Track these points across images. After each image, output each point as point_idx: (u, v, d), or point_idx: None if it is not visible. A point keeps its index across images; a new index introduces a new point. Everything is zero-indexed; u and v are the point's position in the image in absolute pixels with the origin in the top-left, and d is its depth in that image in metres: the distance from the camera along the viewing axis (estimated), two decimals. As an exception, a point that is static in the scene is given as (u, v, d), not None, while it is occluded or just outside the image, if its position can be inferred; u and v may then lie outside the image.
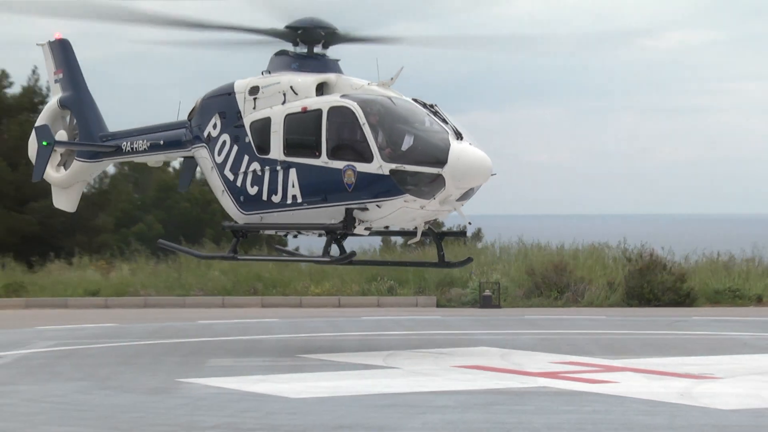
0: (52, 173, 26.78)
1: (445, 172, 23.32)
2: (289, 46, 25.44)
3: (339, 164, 23.70)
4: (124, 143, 26.52)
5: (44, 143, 26.47)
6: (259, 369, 21.42)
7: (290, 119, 24.22)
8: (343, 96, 24.07)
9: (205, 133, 25.34)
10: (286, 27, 25.05)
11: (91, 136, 26.59)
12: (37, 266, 41.43)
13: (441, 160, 23.27)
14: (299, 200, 24.04)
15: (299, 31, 25.04)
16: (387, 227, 25.67)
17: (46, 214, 47.39)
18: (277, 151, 24.21)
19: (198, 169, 27.64)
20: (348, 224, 24.10)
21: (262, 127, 24.46)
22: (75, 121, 26.92)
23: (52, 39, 27.21)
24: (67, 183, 26.81)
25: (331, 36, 25.21)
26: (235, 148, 24.78)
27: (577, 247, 39.86)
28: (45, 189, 48.92)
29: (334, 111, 23.77)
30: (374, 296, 36.74)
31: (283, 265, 40.90)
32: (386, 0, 27.26)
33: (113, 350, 24.78)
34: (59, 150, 26.87)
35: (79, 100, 26.77)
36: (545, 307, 34.90)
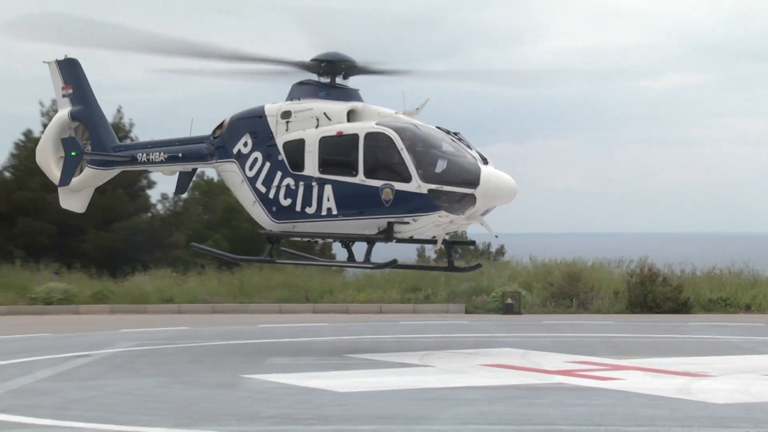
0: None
1: (477, 192, 23.73)
2: (313, 76, 25.44)
3: (376, 182, 23.85)
4: (140, 154, 26.45)
5: (73, 153, 26.24)
6: (311, 367, 21.60)
7: (325, 141, 24.28)
8: (378, 123, 24.19)
9: (235, 150, 25.13)
10: (312, 60, 25.05)
11: (103, 147, 26.49)
12: (121, 277, 41.42)
13: (474, 182, 23.67)
14: (334, 212, 24.10)
15: (323, 64, 24.99)
16: (411, 237, 25.42)
17: (129, 233, 47.69)
18: (311, 168, 24.22)
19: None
20: (389, 235, 24.39)
21: (296, 147, 24.45)
22: (86, 132, 26.66)
23: (60, 58, 26.82)
24: (78, 187, 26.69)
25: (351, 68, 25.26)
26: (268, 164, 24.65)
27: (585, 262, 39.70)
28: (127, 211, 49.23)
29: (371, 136, 23.97)
30: (411, 304, 36.94)
31: (331, 277, 40.89)
32: (414, 42, 26.71)
33: (185, 350, 25.03)
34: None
35: (90, 113, 26.56)
36: (559, 313, 34.95)
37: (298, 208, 24.49)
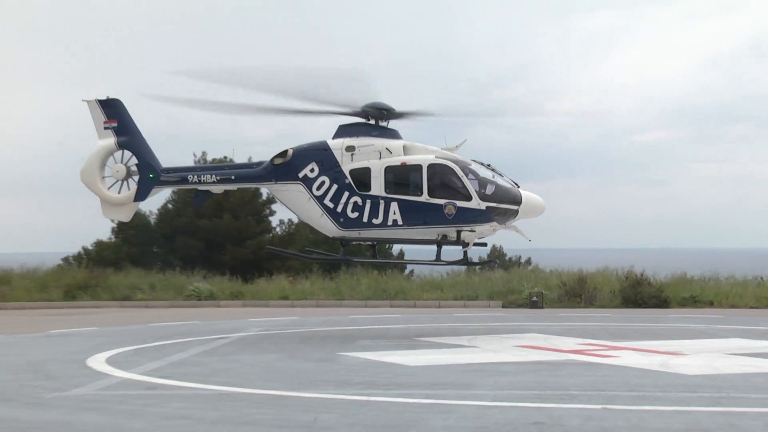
0: (110, 194, 25.45)
1: (520, 208, 24.40)
2: (360, 119, 25.10)
3: (439, 201, 23.91)
4: (190, 176, 25.37)
5: (150, 175, 25.17)
6: (388, 347, 21.70)
7: (389, 169, 24.12)
8: (437, 156, 24.30)
9: (301, 174, 24.41)
10: (364, 107, 24.77)
11: (155, 170, 25.32)
12: (250, 281, 41.51)
13: (518, 201, 24.34)
14: (399, 222, 23.95)
15: (370, 110, 24.74)
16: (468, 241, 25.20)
17: (256, 248, 47.86)
18: (378, 189, 24.01)
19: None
20: (458, 240, 24.65)
21: (362, 173, 24.14)
22: (133, 158, 25.38)
23: (101, 98, 25.46)
24: (125, 201, 25.46)
25: (390, 113, 24.91)
26: (335, 186, 24.14)
27: (590, 269, 39.53)
28: (255, 232, 49.25)
29: (433, 166, 24.11)
30: (462, 300, 36.84)
31: (404, 281, 40.84)
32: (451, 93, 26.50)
33: (297, 334, 25.21)
34: (116, 177, 25.48)
35: (137, 143, 25.37)
36: (571, 308, 34.75)
37: (364, 219, 24.14)
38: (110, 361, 19.06)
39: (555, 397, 14.21)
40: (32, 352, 21.06)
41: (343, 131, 24.97)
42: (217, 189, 26.21)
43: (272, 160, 24.77)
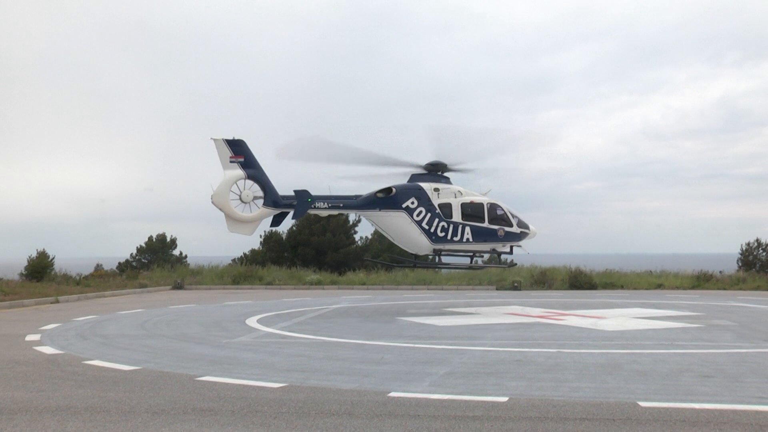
0: (239, 213, 21.94)
1: (530, 231, 23.80)
2: (424, 171, 23.56)
3: (494, 227, 23.15)
4: (322, 203, 22.46)
5: (308, 200, 22.14)
6: (426, 315, 21.40)
7: (464, 205, 23.03)
8: (488, 198, 23.47)
9: (404, 205, 22.59)
10: (427, 164, 23.53)
11: (276, 197, 22.21)
12: (343, 273, 41.50)
13: (529, 228, 23.76)
14: (470, 240, 22.94)
15: (431, 166, 23.48)
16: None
17: (346, 253, 48.02)
18: (457, 217, 22.86)
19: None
20: (510, 251, 23.95)
21: (446, 206, 22.87)
22: (257, 187, 21.95)
23: (228, 137, 21.79)
24: (251, 219, 22.04)
25: (444, 167, 23.61)
26: (429, 214, 22.63)
27: (549, 266, 38.87)
28: (345, 243, 49.27)
29: (490, 203, 23.26)
30: (472, 285, 36.34)
31: (434, 273, 40.60)
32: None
33: (370, 306, 24.98)
34: (245, 201, 21.90)
35: (262, 176, 22.01)
36: (538, 290, 34.29)
37: (449, 237, 22.94)
38: (260, 321, 19.20)
39: (528, 344, 14.10)
40: (214, 315, 21.29)
41: (414, 178, 23.52)
42: (325, 213, 24.34)
43: (376, 194, 22.81)
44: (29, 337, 15.63)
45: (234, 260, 48.42)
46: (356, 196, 23.02)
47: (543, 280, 35.69)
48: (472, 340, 14.70)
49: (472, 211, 23.30)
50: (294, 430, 7.27)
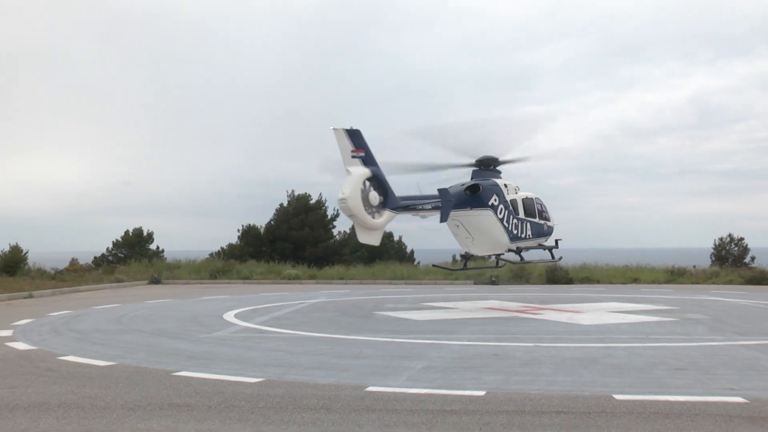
0: (371, 220, 19.20)
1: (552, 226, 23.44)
2: (476, 168, 22.29)
3: (542, 221, 22.81)
4: (417, 204, 20.17)
5: (449, 199, 20.00)
6: (403, 309, 21.40)
7: (524, 201, 22.29)
8: (534, 194, 22.97)
9: (489, 203, 21.18)
10: (479, 159, 22.11)
11: (393, 198, 19.60)
12: (321, 268, 41.36)
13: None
14: (529, 236, 22.36)
15: (485, 160, 22.06)
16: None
17: (324, 248, 47.86)
18: (521, 214, 22.06)
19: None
20: (551, 244, 23.55)
21: (513, 203, 21.90)
22: (378, 186, 19.18)
23: (347, 127, 18.90)
24: (380, 226, 19.50)
25: (496, 162, 22.24)
26: (506, 212, 21.52)
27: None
28: (324, 238, 48.99)
29: (537, 199, 22.85)
30: (450, 280, 36.17)
31: (414, 267, 40.51)
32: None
33: (348, 301, 24.91)
34: (373, 204, 19.12)
35: (382, 174, 19.26)
36: (516, 284, 34.45)
37: (519, 234, 22.08)
38: (237, 316, 19.08)
39: (506, 338, 14.17)
40: (191, 310, 21.15)
41: (476, 174, 22.07)
42: (428, 214, 20.72)
43: (464, 192, 20.94)
44: (1, 333, 15.39)
45: (212, 254, 48.16)
46: (431, 196, 20.44)
47: (521, 274, 35.80)
48: (450, 335, 14.74)
49: (528, 207, 22.58)
50: (271, 425, 7.25)
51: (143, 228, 49.93)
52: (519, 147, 22.68)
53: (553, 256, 24.06)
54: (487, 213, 21.32)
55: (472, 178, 22.07)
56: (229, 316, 19.12)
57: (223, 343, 13.68)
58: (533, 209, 22.69)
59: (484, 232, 21.51)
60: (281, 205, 50.77)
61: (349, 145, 18.85)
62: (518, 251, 22.94)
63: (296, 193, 50.59)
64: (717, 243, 44.20)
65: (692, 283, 34.72)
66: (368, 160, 19.03)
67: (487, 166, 22.33)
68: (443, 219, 20.00)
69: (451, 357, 11.61)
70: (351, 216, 19.07)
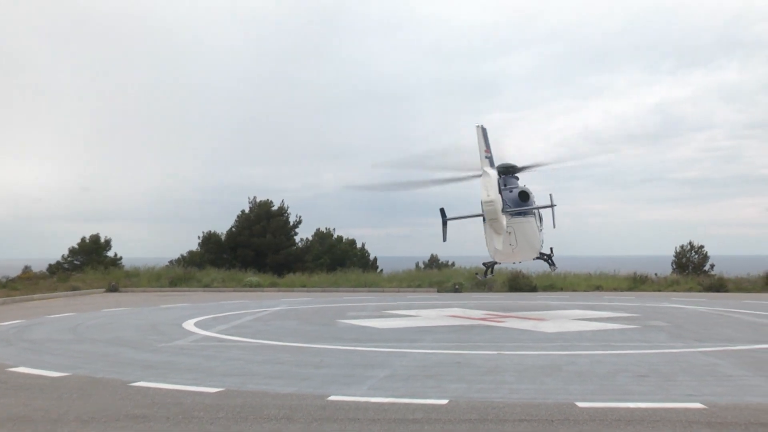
0: (504, 223, 19.41)
1: None
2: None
3: (542, 227, 22.45)
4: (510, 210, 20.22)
5: (555, 205, 20.30)
6: (366, 317, 21.38)
7: (539, 209, 21.82)
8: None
9: (533, 210, 21.18)
10: (499, 165, 20.77)
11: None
12: (283, 275, 41.13)
13: None
14: (543, 242, 22.11)
15: (504, 167, 21.22)
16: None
17: (286, 255, 47.61)
18: (538, 220, 21.69)
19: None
20: (547, 251, 23.08)
21: (537, 211, 21.67)
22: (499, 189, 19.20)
23: (479, 124, 18.87)
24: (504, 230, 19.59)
25: (515, 169, 21.79)
26: (538, 219, 21.37)
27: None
28: (286, 245, 48.76)
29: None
30: (413, 287, 36.21)
31: (377, 274, 40.49)
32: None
33: (310, 309, 24.80)
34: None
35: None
36: (480, 292, 34.60)
37: (542, 240, 22.19)
38: (197, 325, 18.89)
39: (468, 346, 14.23)
40: (150, 318, 20.86)
41: (500, 182, 20.90)
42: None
43: (519, 199, 20.61)
44: (-50, 343, 15.02)
45: (171, 262, 47.58)
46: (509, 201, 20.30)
47: (484, 282, 35.77)
48: (413, 343, 14.76)
49: (540, 214, 22.33)
50: (230, 436, 7.16)
51: (101, 235, 49.04)
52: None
53: (552, 263, 23.66)
54: (531, 220, 21.26)
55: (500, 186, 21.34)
56: (189, 324, 18.90)
57: (182, 352, 13.51)
58: (541, 216, 22.70)
59: (529, 239, 21.32)
60: (243, 211, 50.48)
61: (483, 145, 18.79)
62: (542, 257, 22.85)
63: (258, 200, 50.41)
64: (678, 251, 45.06)
65: (654, 290, 35.33)
66: (492, 160, 19.01)
67: (508, 173, 21.77)
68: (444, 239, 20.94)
69: (414, 365, 11.62)
70: (493, 220, 18.97)
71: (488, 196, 18.42)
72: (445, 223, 21.20)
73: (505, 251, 21.04)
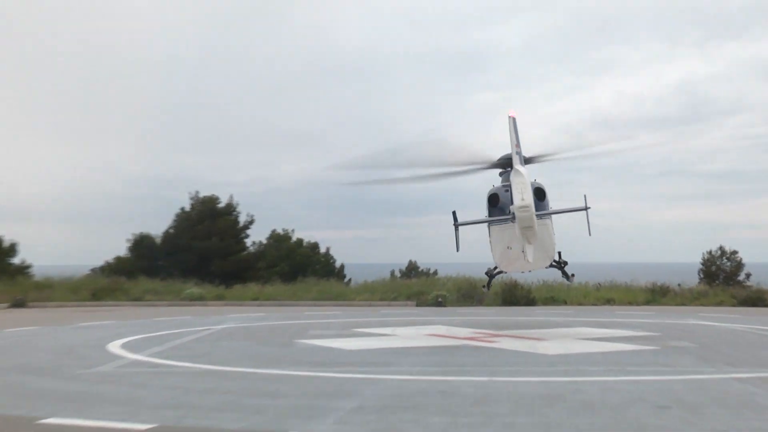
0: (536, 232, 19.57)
1: None
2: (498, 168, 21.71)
3: None
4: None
5: (589, 207, 20.37)
6: (332, 335, 21.38)
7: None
8: None
9: (548, 211, 21.05)
10: (499, 159, 21.04)
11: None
12: (230, 286, 41.20)
13: None
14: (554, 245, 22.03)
15: (506, 161, 20.59)
16: None
17: (235, 262, 47.67)
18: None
19: None
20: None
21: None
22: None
23: (511, 114, 18.91)
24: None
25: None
26: (551, 220, 21.11)
27: (478, 278, 39.32)
28: (236, 250, 48.86)
29: None
30: (387, 301, 36.37)
31: (344, 285, 40.58)
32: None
33: (264, 326, 24.78)
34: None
35: None
36: (466, 306, 34.77)
37: (555, 244, 21.63)
38: (124, 346, 18.77)
39: (454, 371, 14.26)
40: (66, 339, 20.70)
41: (506, 176, 21.17)
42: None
43: (536, 198, 20.04)
44: None
45: (93, 270, 47.21)
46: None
47: (472, 294, 36.08)
48: (387, 367, 14.76)
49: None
50: (163, 483, 7.09)
51: (4, 238, 48.21)
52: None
53: (566, 273, 23.55)
54: (548, 223, 21.11)
55: (502, 181, 21.70)
56: (115, 346, 18.74)
57: (106, 380, 13.38)
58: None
59: (545, 245, 21.18)
60: (182, 209, 50.31)
61: (515, 139, 18.86)
62: (556, 265, 22.79)
63: (201, 195, 50.27)
64: (706, 257, 45.42)
65: (676, 304, 35.73)
66: (521, 156, 18.95)
67: (511, 166, 21.18)
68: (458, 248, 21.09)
69: (389, 394, 11.60)
70: (528, 228, 18.92)
71: (523, 200, 18.32)
72: (457, 228, 21.17)
73: (518, 260, 21.11)
